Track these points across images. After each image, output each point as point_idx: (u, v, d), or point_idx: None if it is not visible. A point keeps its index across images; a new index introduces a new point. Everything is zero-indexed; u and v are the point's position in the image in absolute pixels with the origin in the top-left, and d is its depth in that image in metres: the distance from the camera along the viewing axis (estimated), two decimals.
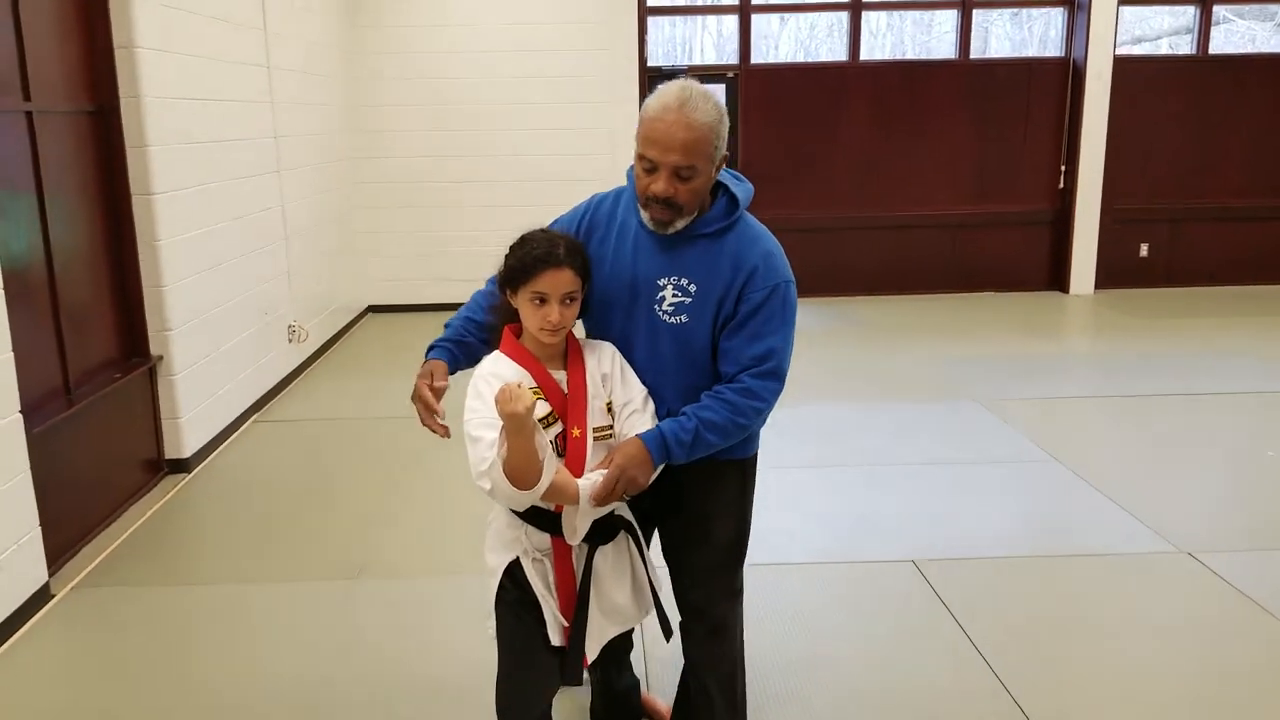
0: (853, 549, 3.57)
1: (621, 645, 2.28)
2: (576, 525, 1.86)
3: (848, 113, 8.06)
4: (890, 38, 8.49)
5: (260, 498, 4.14)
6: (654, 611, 2.08)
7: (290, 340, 5.74)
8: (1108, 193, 8.06)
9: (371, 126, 7.62)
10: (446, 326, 2.10)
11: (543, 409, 1.87)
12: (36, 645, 3.01)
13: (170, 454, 4.34)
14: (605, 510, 1.88)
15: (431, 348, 2.07)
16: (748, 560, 2.19)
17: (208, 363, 4.60)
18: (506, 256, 1.93)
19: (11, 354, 3.04)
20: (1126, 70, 7.90)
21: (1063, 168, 8.13)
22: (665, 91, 1.85)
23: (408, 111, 7.64)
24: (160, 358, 4.23)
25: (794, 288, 1.95)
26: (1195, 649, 2.89)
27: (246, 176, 5.14)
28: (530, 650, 1.94)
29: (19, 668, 2.89)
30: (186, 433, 4.37)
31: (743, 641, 2.27)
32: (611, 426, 1.94)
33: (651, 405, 1.97)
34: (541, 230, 1.95)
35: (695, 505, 2.09)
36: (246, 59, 5.19)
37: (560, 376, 1.92)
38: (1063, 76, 8.02)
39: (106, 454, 3.89)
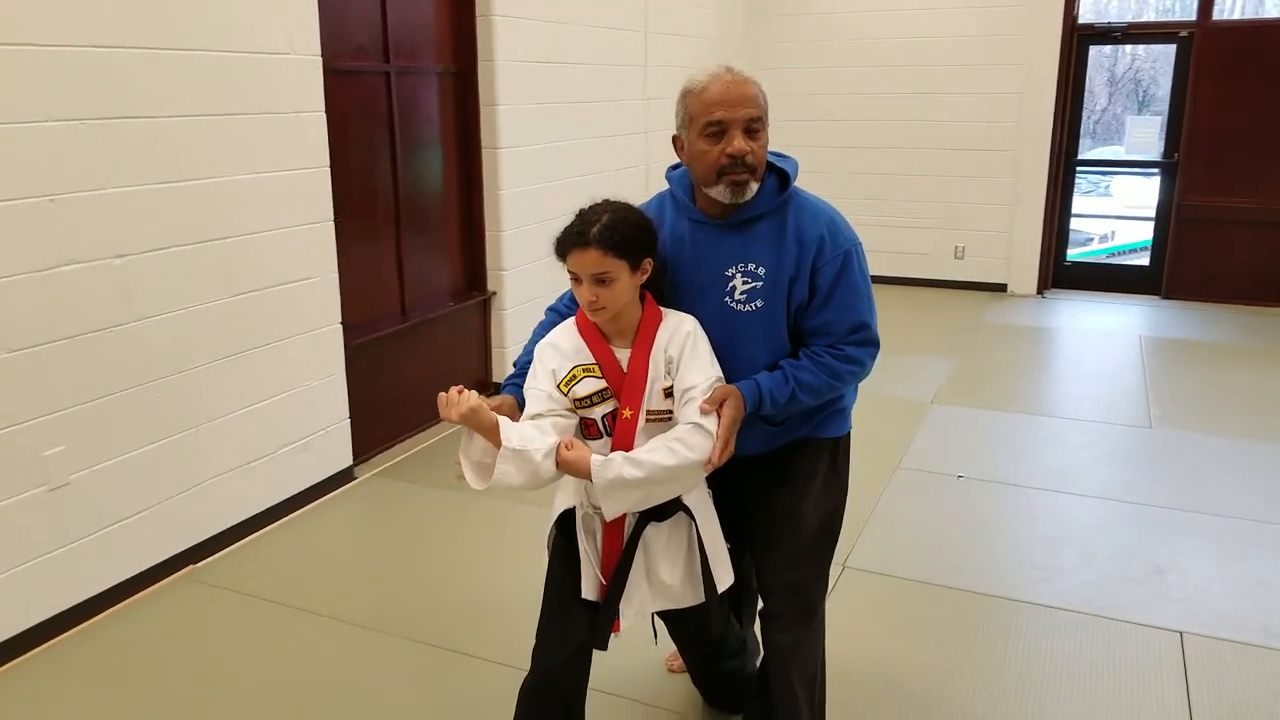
0: (1121, 604, 2.98)
1: (697, 631, 2.19)
2: (599, 502, 1.82)
3: None
4: None
5: None
6: (704, 600, 1.97)
7: None
8: None
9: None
10: (515, 365, 2.08)
11: (593, 386, 1.85)
12: (333, 513, 3.68)
13: (497, 378, 4.91)
14: (633, 493, 1.80)
15: (504, 386, 2.05)
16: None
17: (539, 302, 5.05)
18: None
19: (336, 274, 3.66)
20: None
21: None
22: (701, 68, 1.87)
23: (799, 74, 7.60)
24: (494, 293, 4.79)
25: (862, 250, 1.92)
26: None
27: (607, 136, 5.54)
28: (564, 597, 1.96)
29: (317, 526, 3.57)
30: (510, 361, 4.89)
31: (824, 645, 2.16)
32: (670, 412, 1.86)
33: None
34: (604, 202, 1.87)
35: (787, 487, 2.02)
36: (616, 24, 5.54)
37: (624, 354, 1.87)
38: None
39: (436, 369, 4.51)
